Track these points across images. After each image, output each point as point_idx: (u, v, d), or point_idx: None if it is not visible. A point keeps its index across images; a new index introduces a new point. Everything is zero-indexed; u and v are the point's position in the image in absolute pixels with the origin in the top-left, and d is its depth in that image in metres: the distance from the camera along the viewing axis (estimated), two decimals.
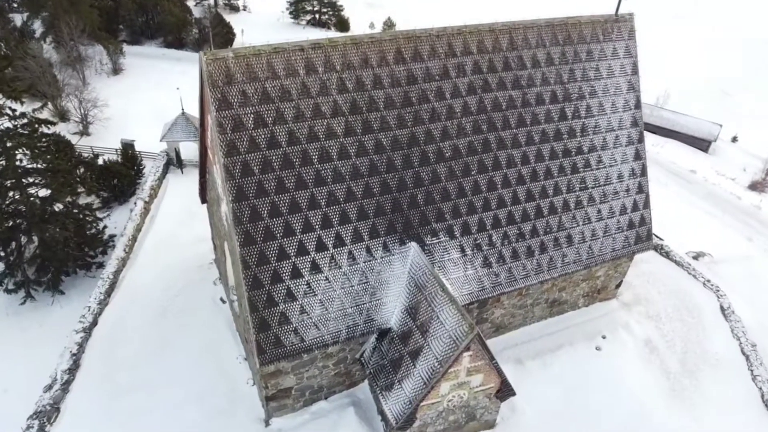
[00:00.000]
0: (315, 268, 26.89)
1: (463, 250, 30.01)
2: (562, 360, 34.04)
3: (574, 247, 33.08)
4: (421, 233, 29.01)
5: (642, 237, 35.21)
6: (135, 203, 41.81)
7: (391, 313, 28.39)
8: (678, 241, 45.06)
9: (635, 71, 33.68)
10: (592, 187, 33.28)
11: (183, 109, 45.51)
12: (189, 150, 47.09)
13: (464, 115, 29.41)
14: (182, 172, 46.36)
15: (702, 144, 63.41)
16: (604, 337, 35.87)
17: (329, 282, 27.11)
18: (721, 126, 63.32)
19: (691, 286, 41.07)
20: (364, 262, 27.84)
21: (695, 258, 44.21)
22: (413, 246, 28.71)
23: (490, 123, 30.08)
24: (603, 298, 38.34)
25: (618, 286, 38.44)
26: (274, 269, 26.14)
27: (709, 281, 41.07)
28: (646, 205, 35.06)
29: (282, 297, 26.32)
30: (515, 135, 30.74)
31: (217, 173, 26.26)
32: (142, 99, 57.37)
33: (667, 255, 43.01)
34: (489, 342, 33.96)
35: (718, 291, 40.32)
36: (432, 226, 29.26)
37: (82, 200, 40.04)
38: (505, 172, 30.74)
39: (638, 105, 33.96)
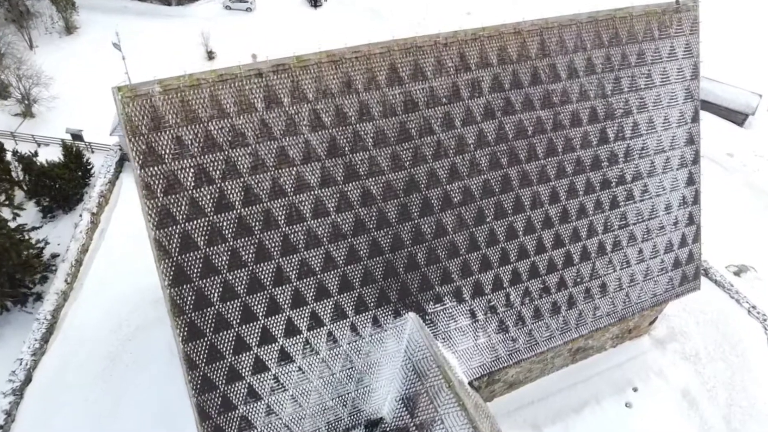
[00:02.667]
0: (285, 357, 20.85)
1: (473, 315, 23.87)
2: (588, 422, 28.73)
3: (609, 297, 26.93)
4: (421, 300, 22.76)
5: (688, 276, 29.01)
6: (81, 215, 35.11)
7: (383, 400, 22.62)
8: (715, 250, 38.79)
9: (695, 75, 26.39)
10: (634, 224, 26.74)
11: None
12: None
13: (479, 147, 22.48)
14: None
15: (737, 117, 56.07)
16: (635, 390, 30.41)
17: (303, 373, 21.15)
18: (760, 96, 55.75)
19: (733, 314, 35.31)
20: (349, 344, 21.75)
21: (737, 274, 38.20)
22: (411, 318, 22.58)
23: (511, 155, 23.17)
24: (634, 336, 32.57)
25: (652, 322, 32.59)
26: (230, 365, 20.09)
27: (754, 307, 35.25)
28: (696, 238, 28.64)
29: (242, 397, 20.41)
30: (543, 167, 23.89)
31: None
32: (96, 68, 49.31)
33: (705, 273, 36.89)
34: (499, 400, 28.57)
35: (765, 320, 34.53)
36: (435, 291, 22.97)
37: (20, 214, 33.40)
38: (529, 214, 24.11)
39: (696, 117, 26.89)
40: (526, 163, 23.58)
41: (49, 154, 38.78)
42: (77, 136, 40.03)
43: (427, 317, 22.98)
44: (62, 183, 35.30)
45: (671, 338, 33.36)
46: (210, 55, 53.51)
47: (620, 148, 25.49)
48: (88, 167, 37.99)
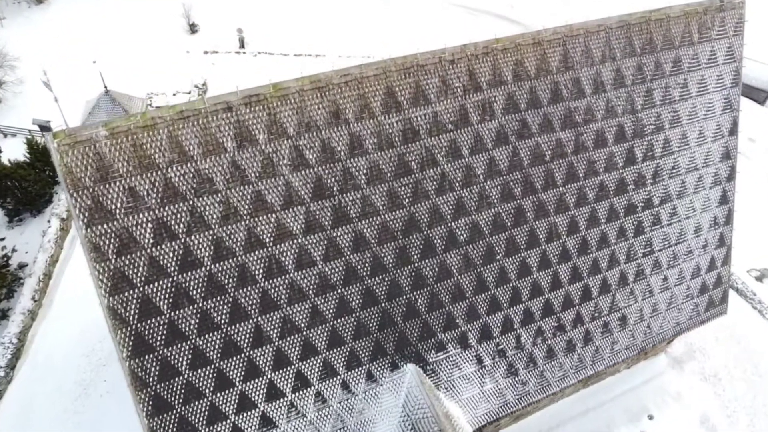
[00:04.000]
0: (267, 423, 18.35)
1: (480, 361, 21.30)
2: None
3: (628, 330, 24.34)
4: (421, 350, 20.14)
5: (715, 301, 26.35)
6: (49, 221, 32.13)
7: None
8: (734, 251, 35.99)
9: (736, 82, 23.03)
10: (660, 250, 23.88)
11: (106, 87, 34.32)
12: None
13: (489, 178, 19.40)
14: None
15: (759, 95, 52.39)
16: (650, 418, 28.20)
17: None
18: None
19: (756, 326, 32.89)
20: (340, 403, 19.23)
21: (759, 279, 35.60)
22: (410, 370, 20.01)
23: (526, 183, 20.10)
24: (650, 355, 30.20)
25: (670, 341, 30.17)
26: None
27: None
28: (726, 261, 25.85)
29: None
30: (561, 195, 20.85)
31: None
32: (68, 45, 45.32)
33: None
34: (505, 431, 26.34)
35: None
36: (437, 338, 20.32)
37: None
38: (544, 248, 21.21)
39: (734, 130, 23.66)
40: (543, 191, 20.53)
41: (16, 147, 35.49)
42: (45, 128, 36.43)
43: (428, 367, 20.42)
44: (27, 184, 32.13)
45: (689, 356, 31.02)
46: (192, 29, 49.36)
47: (648, 169, 22.39)
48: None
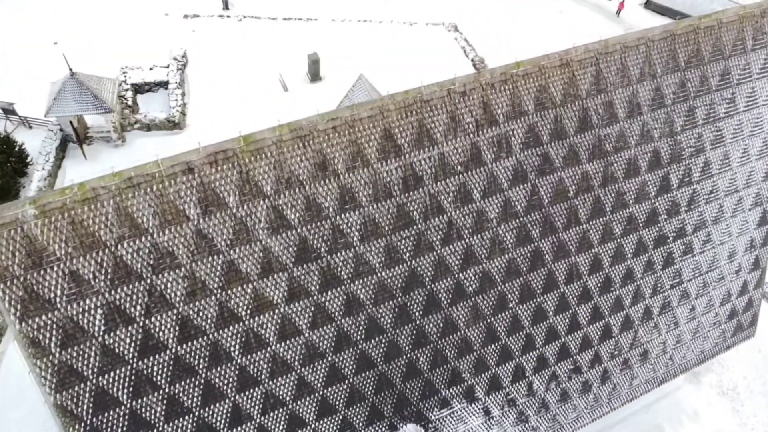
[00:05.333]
0: None
1: (487, 413, 19.21)
2: None
3: (649, 364, 22.19)
4: (423, 408, 18.01)
5: (743, 325, 24.15)
6: None
7: None
8: None
9: None
10: (689, 280, 21.40)
11: (71, 69, 30.72)
12: (91, 118, 33.26)
13: (503, 221, 16.64)
14: (85, 157, 32.85)
15: None
16: None
17: None
18: None
19: None
20: None
21: None
22: (410, 430, 17.87)
23: (545, 224, 17.35)
24: None
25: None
26: None
27: None
28: (759, 284, 23.41)
29: None
30: (584, 233, 18.15)
31: None
32: (33, 18, 41.02)
33: None
34: None
35: None
36: (441, 395, 18.15)
37: None
38: (563, 290, 18.72)
39: None
40: (564, 231, 17.82)
41: None
42: (9, 111, 33.18)
43: (430, 425, 18.32)
44: None
45: (707, 368, 29.07)
46: (226, 4, 43.94)
47: (684, 196, 19.57)
48: (23, 155, 31.56)
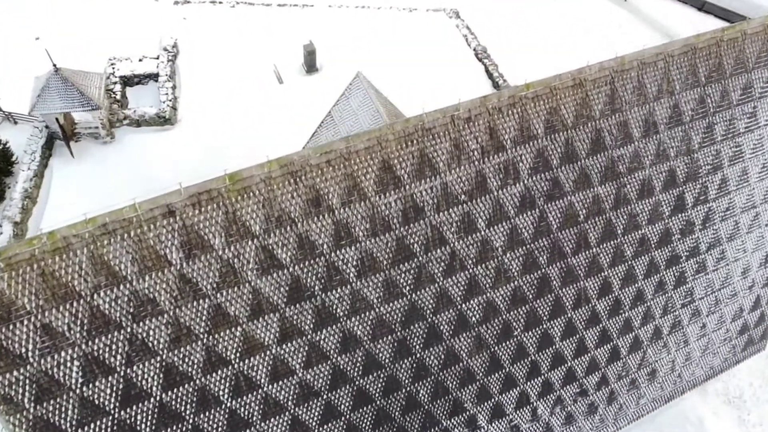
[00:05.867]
0: None
1: None
2: None
3: (657, 382, 21.45)
4: None
5: (754, 339, 23.36)
6: (0, 225, 28.37)
7: None
8: None
9: None
10: (701, 298, 20.53)
11: (55, 65, 29.30)
12: (79, 114, 31.92)
13: (509, 250, 15.67)
14: (73, 155, 31.59)
15: None
16: None
17: None
18: None
19: None
20: None
21: None
22: None
23: (553, 250, 16.39)
24: None
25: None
26: None
27: None
28: None
29: None
30: (594, 257, 17.20)
31: None
32: (14, 11, 39.35)
33: None
34: None
35: None
36: (442, 426, 17.39)
37: None
38: (570, 316, 17.85)
39: None
40: (573, 255, 16.85)
41: None
42: None
43: None
44: None
45: None
46: None
47: (699, 214, 18.56)
48: (8, 154, 30.34)
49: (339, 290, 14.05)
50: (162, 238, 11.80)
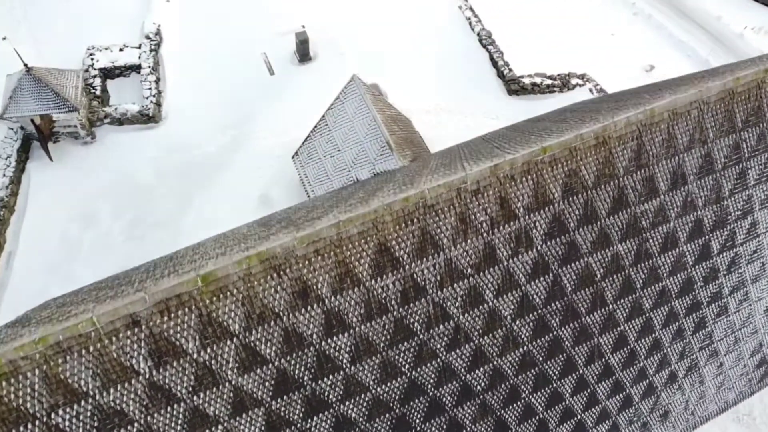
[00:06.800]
0: None
1: None
2: None
3: (669, 422, 20.41)
4: None
5: None
6: None
7: None
8: None
9: None
10: (720, 339, 19.23)
11: (26, 65, 27.16)
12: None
13: (519, 317, 14.25)
14: (51, 158, 29.72)
15: None
16: None
17: None
18: None
19: None
20: None
21: None
22: None
23: (567, 312, 14.99)
24: None
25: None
26: None
27: None
28: None
29: None
30: (610, 314, 15.81)
31: None
32: None
33: None
34: None
35: None
36: None
37: None
38: (582, 372, 16.59)
39: None
40: (588, 314, 15.43)
41: None
42: None
43: None
44: None
45: None
46: None
47: (724, 260, 17.06)
48: None
49: (331, 377, 12.68)
50: (127, 349, 10.33)
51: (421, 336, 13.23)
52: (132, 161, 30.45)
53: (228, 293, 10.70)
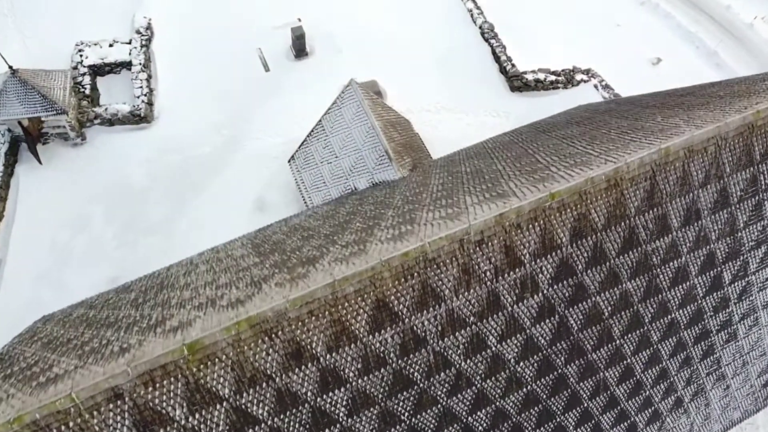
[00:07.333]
0: None
1: None
2: None
3: None
4: None
5: None
6: None
7: None
8: None
9: None
10: (728, 364, 18.73)
11: (11, 66, 26.14)
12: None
13: (523, 359, 13.70)
14: (40, 162, 28.83)
15: None
16: None
17: None
18: None
19: None
20: None
21: None
22: None
23: (573, 350, 14.47)
24: None
25: None
26: None
27: None
28: None
29: None
30: (617, 349, 15.26)
31: None
32: None
33: None
34: None
35: None
36: None
37: None
38: (587, 405, 16.10)
39: None
40: (594, 351, 14.87)
41: None
42: None
43: None
44: None
45: None
46: None
47: (735, 289, 16.45)
48: None
49: (327, 430, 12.13)
50: (109, 422, 9.74)
51: (421, 384, 12.67)
52: (124, 163, 29.60)
53: (216, 359, 10.08)
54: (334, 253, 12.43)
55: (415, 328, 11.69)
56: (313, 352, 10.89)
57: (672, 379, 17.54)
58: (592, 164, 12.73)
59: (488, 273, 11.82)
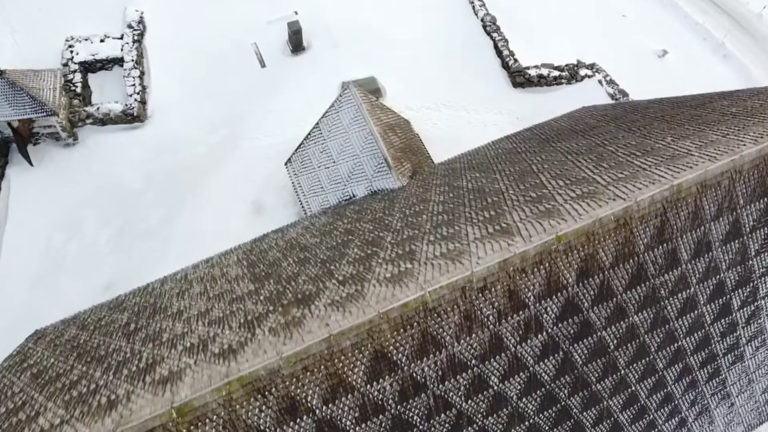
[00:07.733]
0: None
1: None
2: None
3: None
4: None
5: None
6: None
7: None
8: None
9: None
10: (733, 383, 18.40)
11: None
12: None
13: (526, 395, 13.33)
14: (31, 163, 28.16)
15: None
16: None
17: None
18: None
19: None
20: None
21: None
22: None
23: (577, 383, 14.12)
24: None
25: None
26: None
27: None
28: None
29: None
30: (622, 379, 14.89)
31: None
32: None
33: None
34: None
35: None
36: None
37: None
38: None
39: None
40: (598, 382, 14.49)
41: None
42: None
43: None
44: None
45: None
46: None
47: (744, 314, 16.01)
48: None
49: None
50: None
51: (421, 426, 12.28)
52: (117, 164, 28.96)
53: (207, 420, 9.66)
54: (331, 290, 11.94)
55: (414, 374, 11.26)
56: (308, 405, 10.47)
57: (677, 402, 17.21)
58: (600, 197, 12.16)
59: (491, 317, 11.35)
